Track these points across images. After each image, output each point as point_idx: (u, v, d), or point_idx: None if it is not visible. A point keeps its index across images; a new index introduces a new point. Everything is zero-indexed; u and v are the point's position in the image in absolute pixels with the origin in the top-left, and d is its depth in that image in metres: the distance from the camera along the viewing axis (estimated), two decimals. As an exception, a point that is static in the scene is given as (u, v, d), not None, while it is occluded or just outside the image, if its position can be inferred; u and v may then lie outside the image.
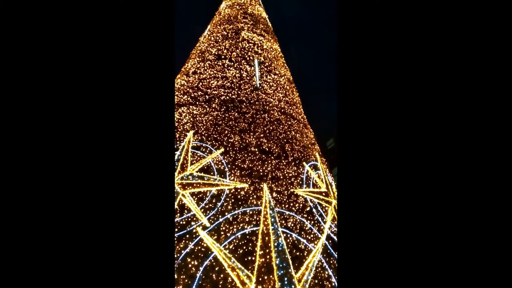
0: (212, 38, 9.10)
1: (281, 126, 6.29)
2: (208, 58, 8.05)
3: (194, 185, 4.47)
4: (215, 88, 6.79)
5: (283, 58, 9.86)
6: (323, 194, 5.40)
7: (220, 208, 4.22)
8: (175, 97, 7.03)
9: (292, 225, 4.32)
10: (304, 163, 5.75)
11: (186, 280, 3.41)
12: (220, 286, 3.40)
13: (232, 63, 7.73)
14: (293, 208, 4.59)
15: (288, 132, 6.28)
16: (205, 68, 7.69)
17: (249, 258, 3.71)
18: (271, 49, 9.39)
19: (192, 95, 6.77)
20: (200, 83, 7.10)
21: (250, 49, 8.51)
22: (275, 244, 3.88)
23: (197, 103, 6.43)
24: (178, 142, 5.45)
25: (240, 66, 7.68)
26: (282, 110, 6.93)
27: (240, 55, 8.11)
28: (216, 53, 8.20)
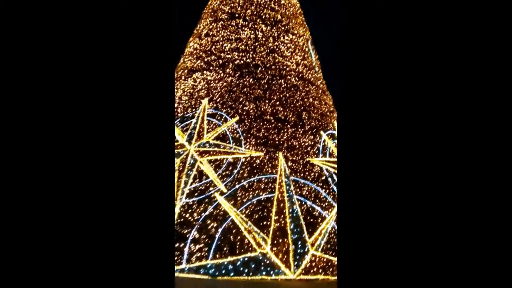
0: (225, -5, 8.31)
1: (298, 93, 5.99)
2: (221, 18, 7.46)
3: (211, 152, 4.55)
4: (228, 52, 6.42)
5: (303, 16, 8.93)
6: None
7: (236, 175, 4.33)
8: (189, 61, 6.79)
9: (307, 193, 4.39)
10: (322, 132, 5.59)
11: (207, 240, 3.71)
12: (237, 246, 3.67)
13: (246, 23, 7.13)
14: (308, 177, 4.61)
15: (306, 99, 5.99)
16: (218, 29, 7.19)
17: (264, 223, 3.90)
18: (290, 5, 8.48)
19: (205, 59, 6.48)
20: (213, 47, 6.72)
21: (266, 6, 7.73)
22: (290, 210, 4.01)
23: (211, 68, 6.18)
24: (193, 110, 5.43)
25: (255, 26, 7.08)
26: (300, 75, 6.52)
27: (255, 13, 7.42)
28: (229, 11, 7.55)
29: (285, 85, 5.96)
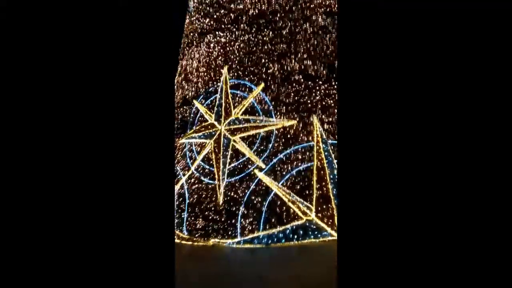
0: None
1: (327, 36, 5.05)
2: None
3: (242, 129, 4.46)
4: (239, 1, 5.44)
5: None
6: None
7: (271, 149, 4.28)
8: (197, 21, 6.04)
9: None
10: (359, 79, 4.88)
11: (255, 214, 4.03)
12: (284, 217, 3.93)
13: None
14: (348, 138, 4.32)
15: (336, 44, 5.07)
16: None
17: (307, 192, 3.99)
18: None
19: (215, 16, 5.66)
20: (220, -3, 5.73)
21: None
22: (331, 176, 3.97)
23: (223, 26, 5.43)
24: (214, 82, 5.12)
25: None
26: (328, 10, 5.35)
27: None
28: None
29: (311, 30, 5.02)
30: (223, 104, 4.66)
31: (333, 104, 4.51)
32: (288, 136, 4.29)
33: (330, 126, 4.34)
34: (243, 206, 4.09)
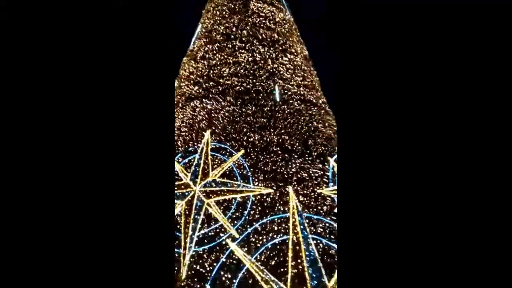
0: (218, 13, 8.13)
1: (302, 118, 5.84)
2: (216, 39, 7.27)
3: (218, 192, 4.32)
4: (227, 77, 6.23)
5: (297, 31, 8.84)
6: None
7: (247, 217, 4.11)
8: (186, 87, 6.56)
9: (322, 230, 4.21)
10: (329, 157, 5.44)
11: (223, 296, 3.46)
12: (255, 300, 3.44)
13: (243, 45, 6.97)
14: (321, 211, 4.44)
15: (310, 124, 5.85)
16: (214, 51, 7.00)
17: (282, 269, 3.69)
18: (284, 22, 8.37)
19: (204, 85, 6.27)
20: (211, 71, 6.52)
21: (262, 25, 7.60)
22: (306, 253, 3.82)
23: (210, 95, 5.97)
24: (195, 143, 5.19)
25: (252, 48, 6.93)
26: (302, 98, 6.39)
27: (250, 33, 7.27)
28: (224, 32, 7.37)
29: (288, 110, 5.80)
30: (201, 165, 4.60)
31: (307, 178, 4.80)
32: (265, 204, 4.24)
33: (305, 198, 4.48)
34: (210, 283, 3.52)
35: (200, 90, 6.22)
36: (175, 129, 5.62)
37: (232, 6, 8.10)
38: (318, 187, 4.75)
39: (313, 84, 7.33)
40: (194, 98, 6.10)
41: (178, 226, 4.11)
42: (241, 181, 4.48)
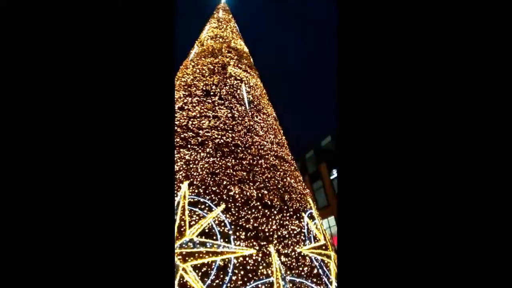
0: (198, 71, 8.78)
1: (278, 173, 6.10)
2: (196, 94, 7.64)
3: (196, 255, 3.84)
4: (207, 129, 6.35)
5: (267, 95, 9.99)
6: (323, 248, 5.25)
7: (228, 284, 3.66)
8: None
9: (306, 295, 3.98)
10: (303, 213, 5.58)
11: None
12: None
13: (222, 101, 7.45)
14: (302, 273, 4.28)
15: (285, 179, 6.12)
16: (194, 104, 7.24)
17: None
18: (257, 86, 9.46)
19: (182, 135, 6.19)
20: (190, 122, 6.59)
21: (239, 87, 8.42)
22: (293, 324, 3.46)
23: (189, 145, 5.87)
24: (170, 196, 4.77)
25: (231, 105, 7.45)
26: (276, 154, 6.81)
27: (229, 92, 7.92)
28: (204, 88, 7.86)
29: (265, 165, 6.03)
30: (177, 221, 4.15)
31: (287, 235, 4.73)
32: (248, 267, 3.90)
33: (287, 259, 4.32)
34: None
35: (178, 140, 6.09)
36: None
37: (212, 67, 8.92)
38: (297, 245, 4.69)
39: (283, 141, 8.00)
40: (170, 147, 5.89)
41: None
42: (221, 240, 4.14)
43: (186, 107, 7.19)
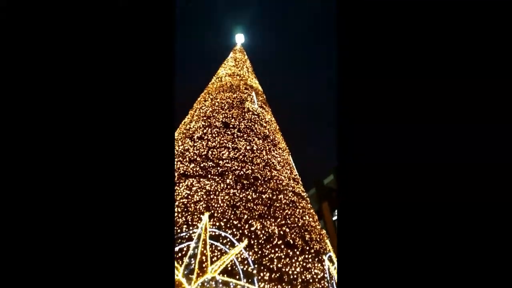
0: (217, 104, 9.17)
1: (297, 210, 5.93)
2: (215, 125, 7.86)
3: (219, 296, 3.51)
4: (227, 160, 6.38)
5: (281, 132, 10.26)
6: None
7: (254, 334, 3.27)
8: (180, 163, 6.34)
9: None
10: (324, 256, 5.25)
11: None
12: None
13: (241, 134, 7.63)
14: (332, 327, 3.84)
15: (304, 218, 5.91)
16: (213, 135, 7.40)
17: None
18: (272, 121, 9.79)
19: (202, 164, 6.18)
20: (210, 152, 6.64)
21: (256, 121, 8.70)
22: None
23: (209, 175, 5.82)
24: (190, 227, 4.56)
25: (249, 138, 7.61)
26: (293, 190, 6.71)
27: (248, 126, 8.16)
28: (223, 120, 8.12)
29: (285, 201, 5.89)
30: (198, 256, 3.89)
31: (311, 279, 4.38)
32: (274, 315, 3.52)
33: (313, 307, 3.93)
34: None
35: (197, 169, 6.06)
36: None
37: (230, 101, 9.35)
38: (322, 293, 4.31)
39: (298, 178, 7.94)
40: (190, 176, 5.84)
41: None
42: (245, 280, 3.82)
43: (205, 137, 7.33)
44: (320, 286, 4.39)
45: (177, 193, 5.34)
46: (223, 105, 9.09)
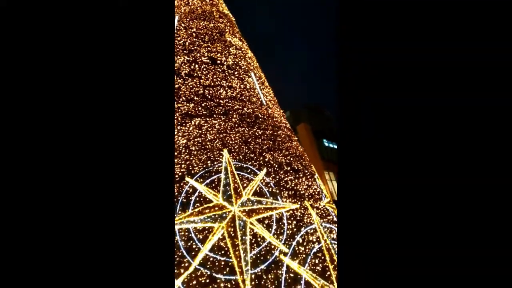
0: (194, 35, 8.22)
1: (293, 143, 6.79)
2: (202, 61, 7.30)
3: (257, 210, 4.32)
4: (227, 100, 6.38)
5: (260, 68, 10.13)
6: (331, 202, 6.43)
7: (287, 231, 4.36)
8: (177, 103, 6.06)
9: (335, 236, 5.05)
10: (315, 176, 6.55)
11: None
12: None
13: (232, 71, 7.39)
14: (331, 222, 5.33)
15: (298, 148, 6.87)
16: (203, 71, 6.98)
17: (327, 274, 4.15)
18: (253, 58, 9.52)
19: (203, 104, 6.07)
20: (206, 91, 6.44)
21: (241, 57, 8.35)
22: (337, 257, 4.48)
23: (215, 115, 5.87)
24: (212, 163, 4.93)
25: (241, 76, 7.47)
26: (286, 126, 7.41)
27: (235, 62, 7.83)
28: (209, 55, 7.55)
29: (283, 135, 6.60)
30: (232, 184, 4.47)
31: (313, 193, 5.62)
32: (297, 218, 4.64)
33: (319, 211, 5.24)
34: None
35: (199, 108, 5.98)
36: (182, 146, 5.08)
37: (210, 33, 8.45)
38: (320, 201, 5.67)
39: (284, 114, 8.60)
40: (195, 116, 5.78)
41: (224, 251, 3.73)
42: (271, 198, 4.71)
43: (195, 74, 6.88)
44: (319, 197, 5.70)
45: (188, 132, 5.40)
46: (202, 36, 8.19)
